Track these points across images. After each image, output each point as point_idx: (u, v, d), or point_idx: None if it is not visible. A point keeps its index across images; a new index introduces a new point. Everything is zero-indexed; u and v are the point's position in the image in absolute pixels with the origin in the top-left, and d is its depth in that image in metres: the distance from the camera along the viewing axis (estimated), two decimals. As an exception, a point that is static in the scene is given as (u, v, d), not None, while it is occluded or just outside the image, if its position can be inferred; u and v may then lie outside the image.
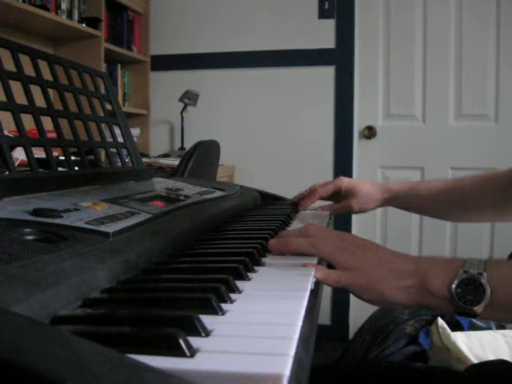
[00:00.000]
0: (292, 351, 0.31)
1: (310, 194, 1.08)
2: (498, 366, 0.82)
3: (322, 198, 1.10)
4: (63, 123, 0.80)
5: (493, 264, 0.55)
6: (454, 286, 0.54)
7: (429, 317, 1.29)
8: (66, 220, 0.52)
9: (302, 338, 0.34)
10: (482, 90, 2.38)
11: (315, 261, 0.59)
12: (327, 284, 0.58)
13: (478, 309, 0.54)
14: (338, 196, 1.09)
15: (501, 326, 1.23)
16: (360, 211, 1.07)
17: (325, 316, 2.58)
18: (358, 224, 2.53)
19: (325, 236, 0.63)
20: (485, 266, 0.54)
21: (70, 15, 2.18)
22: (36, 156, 0.70)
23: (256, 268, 0.55)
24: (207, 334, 0.34)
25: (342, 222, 2.47)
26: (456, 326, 1.20)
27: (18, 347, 0.24)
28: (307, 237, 0.63)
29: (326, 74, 2.52)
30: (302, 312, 0.39)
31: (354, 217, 2.52)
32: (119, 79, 2.57)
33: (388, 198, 1.05)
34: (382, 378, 0.82)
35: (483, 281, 0.53)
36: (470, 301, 0.54)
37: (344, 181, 1.07)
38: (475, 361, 1.02)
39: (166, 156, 2.48)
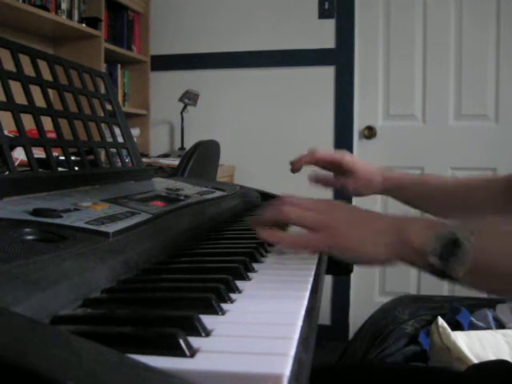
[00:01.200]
0: (292, 351, 0.31)
1: (308, 153, 1.02)
2: (499, 366, 0.82)
3: (318, 165, 1.03)
4: (63, 123, 0.79)
5: (475, 227, 0.55)
6: (433, 241, 0.54)
7: (429, 317, 1.29)
8: (66, 220, 0.52)
9: (302, 338, 0.34)
10: (481, 90, 2.38)
11: (315, 261, 0.59)
12: (308, 250, 0.58)
13: (454, 268, 0.53)
14: (337, 171, 1.02)
15: (501, 326, 1.23)
16: (355, 194, 1.02)
17: (325, 316, 2.58)
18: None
19: (298, 202, 0.62)
20: (467, 227, 0.54)
21: (69, 15, 2.18)
22: (36, 156, 0.70)
23: (256, 268, 0.55)
24: (207, 333, 0.34)
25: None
26: (456, 326, 1.20)
27: (17, 347, 0.24)
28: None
29: (326, 74, 2.52)
30: (302, 312, 0.39)
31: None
32: (119, 79, 2.57)
33: (388, 187, 1.01)
34: (382, 378, 0.82)
35: (463, 239, 0.52)
36: (446, 259, 0.53)
37: (346, 156, 1.00)
38: (475, 360, 1.02)
39: (166, 156, 2.48)
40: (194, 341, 0.31)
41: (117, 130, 0.97)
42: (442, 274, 0.54)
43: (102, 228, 0.52)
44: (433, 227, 0.55)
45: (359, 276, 2.50)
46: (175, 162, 1.97)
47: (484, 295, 2.17)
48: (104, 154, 0.95)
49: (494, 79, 2.37)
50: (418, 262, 0.56)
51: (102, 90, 0.98)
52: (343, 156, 1.00)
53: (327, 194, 2.53)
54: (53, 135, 0.78)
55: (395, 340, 1.23)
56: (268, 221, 0.61)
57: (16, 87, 0.71)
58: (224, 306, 0.40)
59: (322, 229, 0.58)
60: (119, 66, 2.57)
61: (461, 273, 0.52)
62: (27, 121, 0.71)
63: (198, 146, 1.48)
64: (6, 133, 0.66)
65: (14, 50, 0.74)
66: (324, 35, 2.50)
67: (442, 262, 0.53)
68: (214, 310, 0.39)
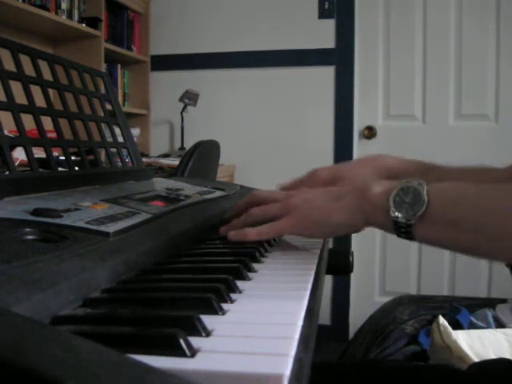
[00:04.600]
0: (292, 351, 0.31)
1: (308, 176, 0.82)
2: (500, 364, 0.82)
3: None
4: (63, 123, 0.79)
5: (434, 183, 0.56)
6: (392, 194, 0.55)
7: (429, 317, 1.29)
8: (67, 220, 0.52)
9: (303, 338, 0.34)
10: (481, 90, 2.38)
11: (315, 260, 0.59)
12: (275, 235, 0.62)
13: (413, 219, 0.53)
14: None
15: (501, 326, 1.23)
16: None
17: (325, 316, 2.58)
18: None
19: (266, 195, 0.67)
20: (427, 182, 0.55)
21: (70, 15, 2.18)
22: (36, 156, 0.70)
23: (256, 268, 0.55)
24: (208, 333, 0.34)
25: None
26: (456, 326, 1.20)
27: (17, 347, 0.24)
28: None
29: (326, 74, 2.52)
30: (303, 312, 0.39)
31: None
32: (119, 79, 2.57)
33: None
34: (383, 376, 0.82)
35: (421, 190, 0.53)
36: (405, 210, 0.53)
37: (322, 173, 0.80)
38: (476, 359, 1.02)
39: (166, 156, 2.48)
40: (195, 341, 0.31)
41: (117, 130, 0.97)
42: (395, 225, 0.54)
43: (102, 228, 0.52)
44: (392, 183, 0.57)
45: (359, 276, 2.50)
46: (175, 162, 1.97)
47: (484, 295, 2.17)
48: (104, 154, 0.95)
49: (494, 79, 2.37)
50: (383, 221, 0.56)
51: (102, 90, 0.98)
52: (317, 177, 0.79)
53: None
54: (53, 135, 0.78)
55: (395, 340, 1.23)
56: (238, 227, 0.64)
57: (16, 87, 0.71)
58: (224, 305, 0.40)
59: (286, 213, 0.60)
60: (119, 66, 2.57)
61: (413, 221, 0.53)
62: (27, 121, 0.71)
63: (198, 145, 1.49)
64: (6, 133, 0.66)
65: (14, 49, 0.74)
66: (324, 35, 2.50)
67: (396, 213, 0.54)
68: (215, 310, 0.39)
